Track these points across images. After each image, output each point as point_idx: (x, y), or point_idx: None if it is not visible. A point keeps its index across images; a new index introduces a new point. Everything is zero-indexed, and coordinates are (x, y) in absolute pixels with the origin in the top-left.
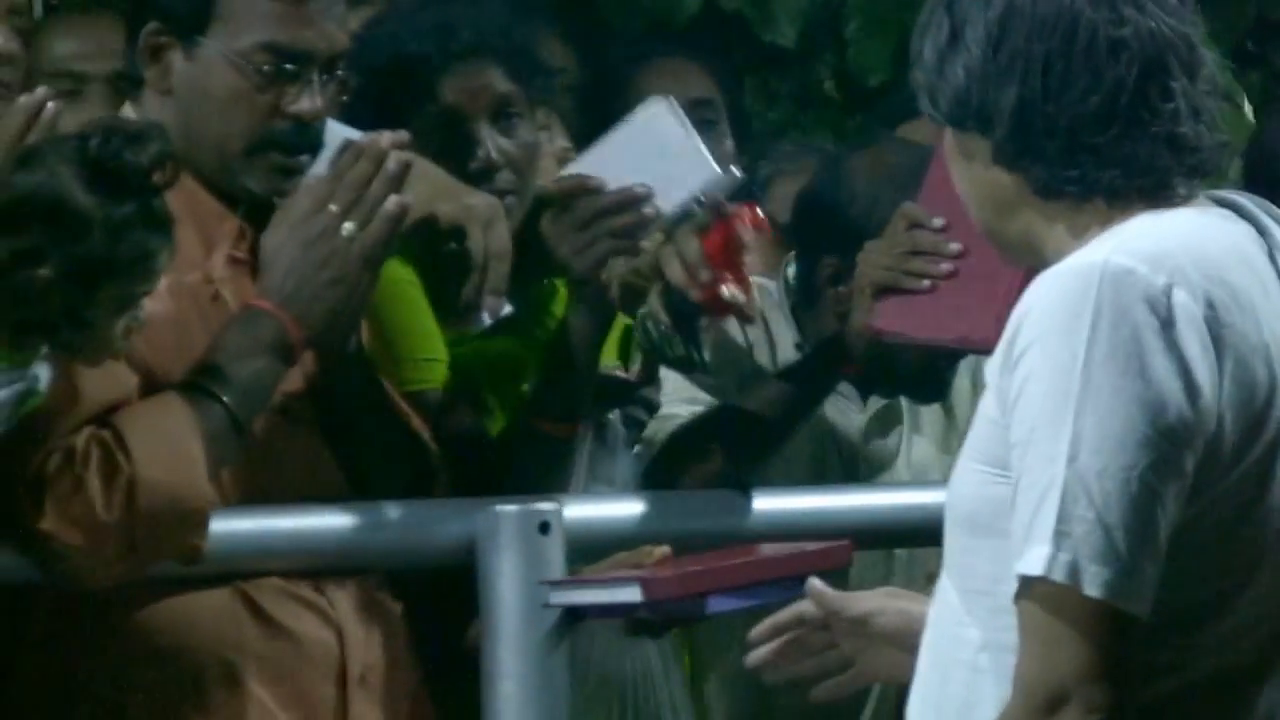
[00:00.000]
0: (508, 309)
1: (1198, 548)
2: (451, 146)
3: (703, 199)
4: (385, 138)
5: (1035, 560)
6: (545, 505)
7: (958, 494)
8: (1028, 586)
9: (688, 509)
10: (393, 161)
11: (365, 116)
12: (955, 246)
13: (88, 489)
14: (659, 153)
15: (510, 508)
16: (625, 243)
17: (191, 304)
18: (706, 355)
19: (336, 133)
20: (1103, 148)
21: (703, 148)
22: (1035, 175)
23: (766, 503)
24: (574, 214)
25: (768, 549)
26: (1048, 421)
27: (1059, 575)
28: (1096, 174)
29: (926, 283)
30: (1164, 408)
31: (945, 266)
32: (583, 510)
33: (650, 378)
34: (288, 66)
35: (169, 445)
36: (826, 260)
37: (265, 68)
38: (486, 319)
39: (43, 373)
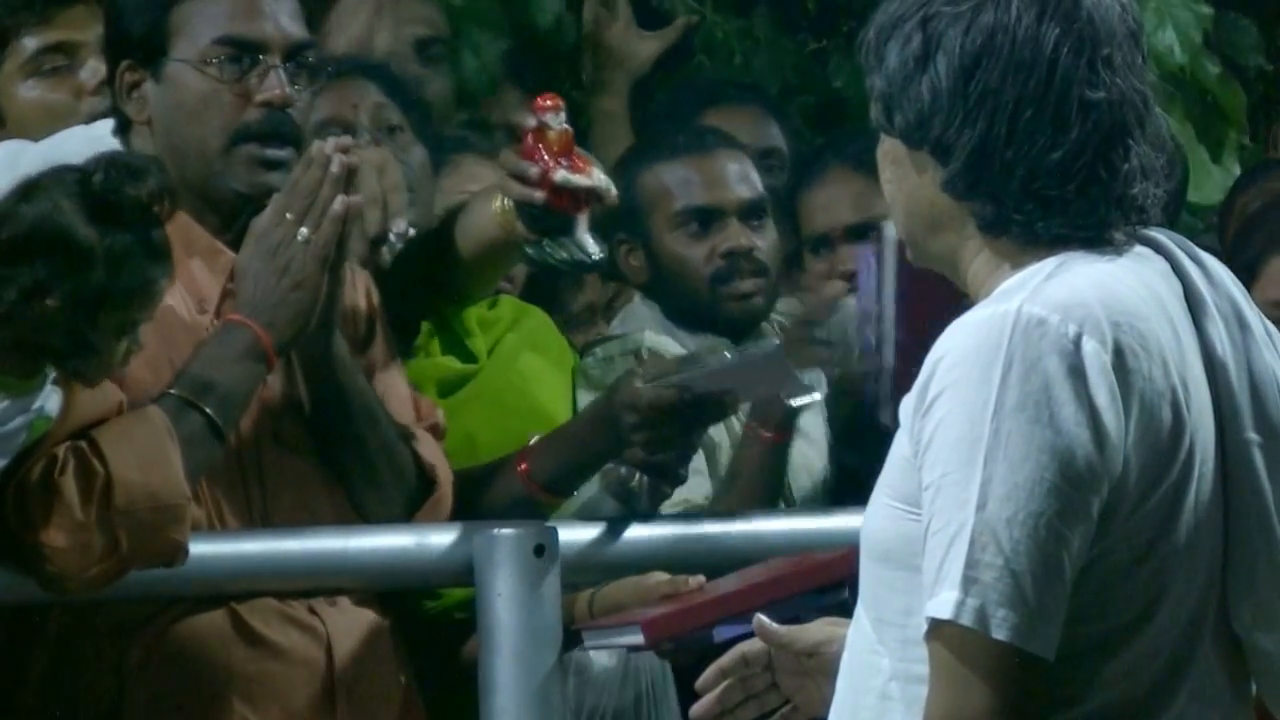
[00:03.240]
0: (410, 231)
1: (1102, 584)
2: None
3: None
4: (329, 144)
5: (944, 604)
6: (541, 528)
7: (872, 528)
8: (937, 628)
9: (680, 533)
10: (335, 164)
11: None
12: None
13: (66, 494)
14: (765, 385)
15: (507, 531)
16: (696, 438)
17: (189, 336)
18: (596, 251)
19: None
20: (1054, 200)
21: (803, 380)
22: (982, 212)
23: (761, 526)
24: (649, 419)
25: (775, 566)
26: (958, 467)
27: (967, 620)
28: (1043, 222)
29: None
30: (1072, 456)
31: None
32: (577, 534)
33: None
34: (246, 57)
35: (143, 448)
36: None
37: (224, 61)
38: (395, 240)
39: (51, 401)
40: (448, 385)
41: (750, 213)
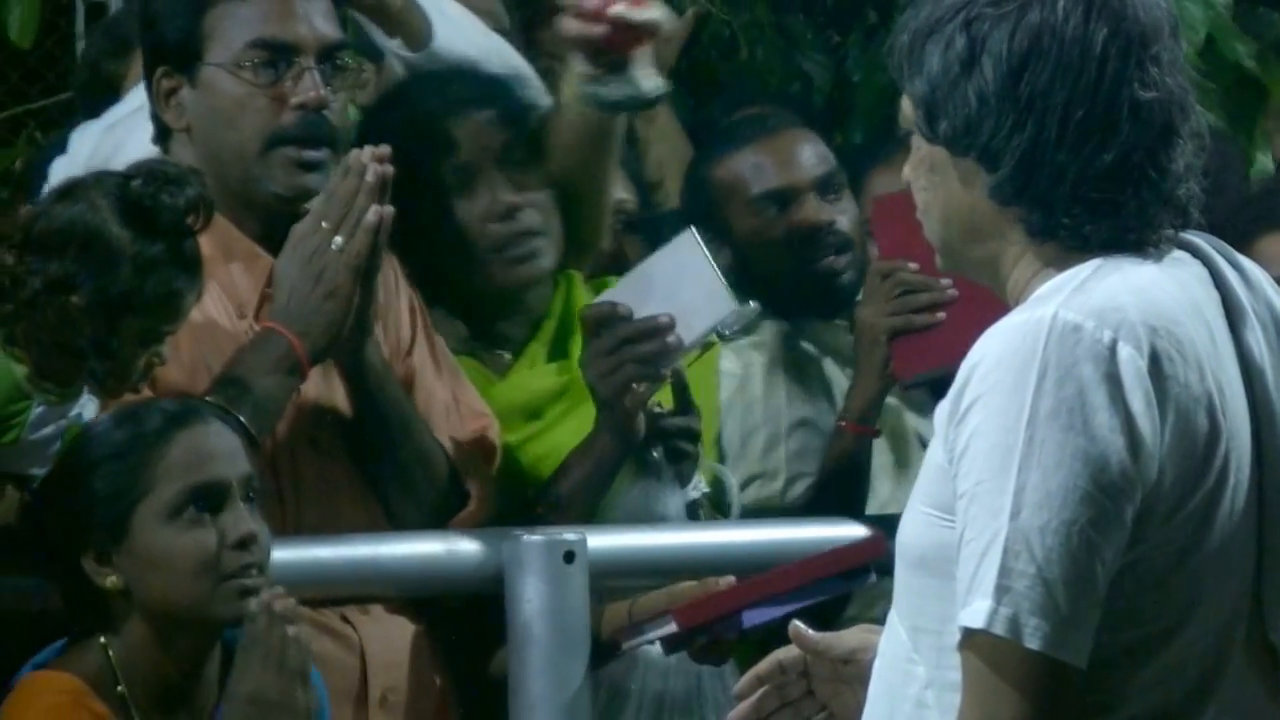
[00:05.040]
0: None
1: (1134, 592)
2: (470, 195)
3: (721, 329)
4: (366, 152)
5: (977, 613)
6: (570, 535)
7: (908, 535)
8: (970, 637)
9: (709, 539)
10: (370, 173)
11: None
12: (945, 280)
13: None
14: (684, 284)
15: (536, 538)
16: (648, 369)
17: (228, 341)
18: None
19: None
20: (1104, 203)
21: (722, 281)
22: (1030, 217)
23: (790, 532)
24: (601, 340)
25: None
26: (992, 475)
27: (1000, 629)
28: (1092, 225)
29: (941, 315)
30: (1106, 463)
31: (951, 291)
32: (606, 540)
33: (686, 408)
34: (280, 59)
35: None
36: None
37: (259, 65)
38: None
39: (88, 409)
40: (541, 400)
41: (826, 187)
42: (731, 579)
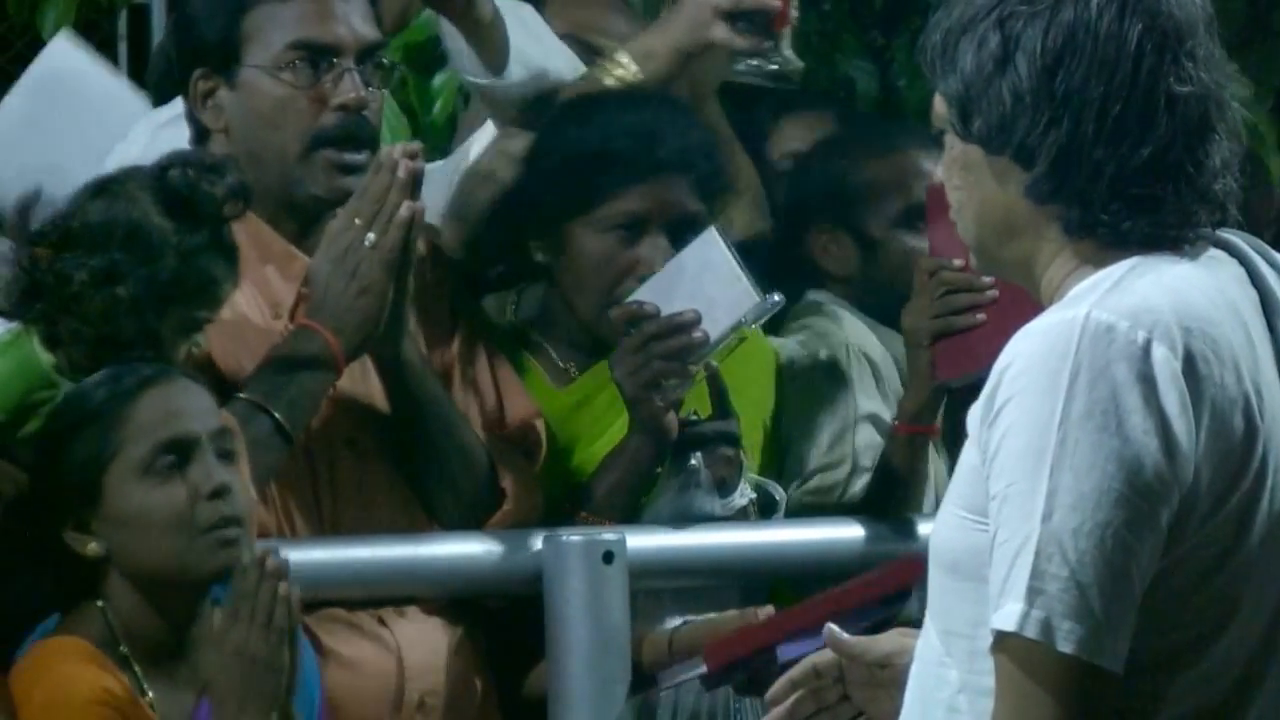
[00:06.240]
0: None
1: (1173, 596)
2: (619, 242)
3: (746, 323)
4: (397, 149)
5: (1009, 616)
6: (609, 535)
7: (941, 538)
8: (1002, 640)
9: (747, 538)
10: (402, 170)
11: (553, 194)
12: (987, 279)
13: None
14: (709, 280)
15: (575, 538)
16: (675, 365)
17: (263, 342)
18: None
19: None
20: (1142, 199)
21: (744, 276)
22: (1067, 215)
23: (834, 531)
24: (628, 339)
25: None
26: (1024, 477)
27: (1032, 632)
28: (1130, 221)
29: (980, 316)
30: (1140, 465)
31: (991, 293)
32: (646, 540)
33: (724, 412)
34: (321, 61)
35: None
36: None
37: (299, 66)
38: None
39: None
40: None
41: None
42: (770, 609)
